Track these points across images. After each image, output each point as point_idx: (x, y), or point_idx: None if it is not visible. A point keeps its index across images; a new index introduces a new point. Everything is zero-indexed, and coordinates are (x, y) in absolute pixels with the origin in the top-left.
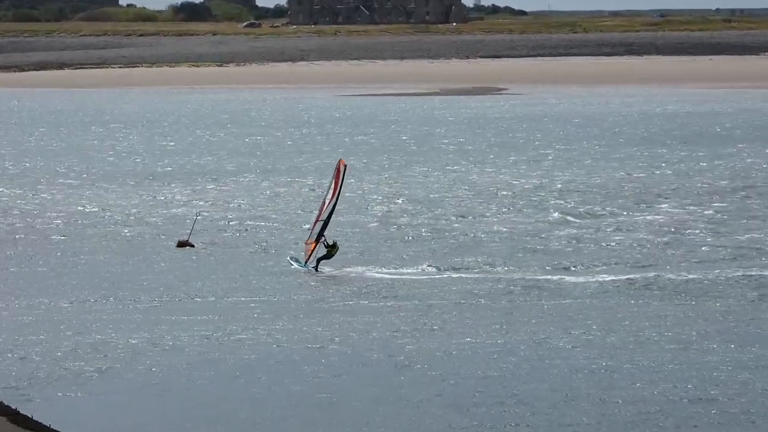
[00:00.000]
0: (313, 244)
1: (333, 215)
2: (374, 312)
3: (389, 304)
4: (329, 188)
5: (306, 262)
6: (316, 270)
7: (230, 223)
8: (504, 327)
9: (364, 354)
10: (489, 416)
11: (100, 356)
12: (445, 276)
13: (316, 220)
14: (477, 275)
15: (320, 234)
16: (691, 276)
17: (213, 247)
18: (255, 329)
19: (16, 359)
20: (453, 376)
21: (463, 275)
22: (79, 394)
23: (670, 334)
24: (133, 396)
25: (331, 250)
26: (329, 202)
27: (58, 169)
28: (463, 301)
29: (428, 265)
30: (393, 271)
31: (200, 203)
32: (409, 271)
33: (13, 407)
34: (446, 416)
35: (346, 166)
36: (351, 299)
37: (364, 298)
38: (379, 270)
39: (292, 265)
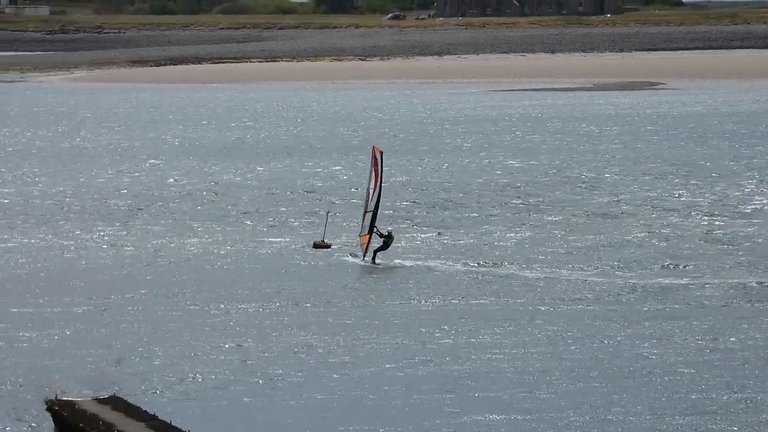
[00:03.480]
0: (367, 237)
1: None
2: None
3: None
4: (370, 178)
5: (364, 256)
6: (373, 262)
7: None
8: None
9: None
10: None
11: (238, 362)
12: None
13: (365, 212)
14: None
15: (371, 225)
16: None
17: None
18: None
19: (152, 365)
20: None
21: None
22: (216, 401)
23: None
24: (270, 401)
25: (387, 240)
26: (373, 192)
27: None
28: None
29: None
30: None
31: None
32: None
33: (151, 413)
34: None
35: (382, 152)
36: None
37: None
38: None
39: (350, 259)
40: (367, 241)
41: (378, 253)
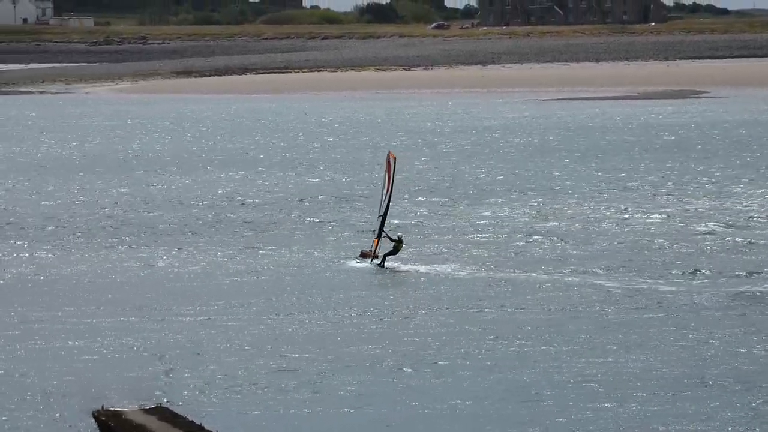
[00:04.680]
0: (376, 241)
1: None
2: None
3: None
4: (384, 183)
5: (372, 260)
6: (381, 266)
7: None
8: None
9: None
10: None
11: (288, 373)
12: None
13: (379, 216)
14: None
15: (380, 230)
16: None
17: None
18: None
19: (200, 375)
20: None
21: None
22: (264, 412)
23: None
24: (321, 413)
25: (398, 244)
26: (384, 197)
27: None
28: None
29: None
30: None
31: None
32: None
33: (198, 423)
34: None
35: (395, 158)
36: None
37: None
38: None
39: (358, 263)
40: (376, 245)
41: (387, 258)
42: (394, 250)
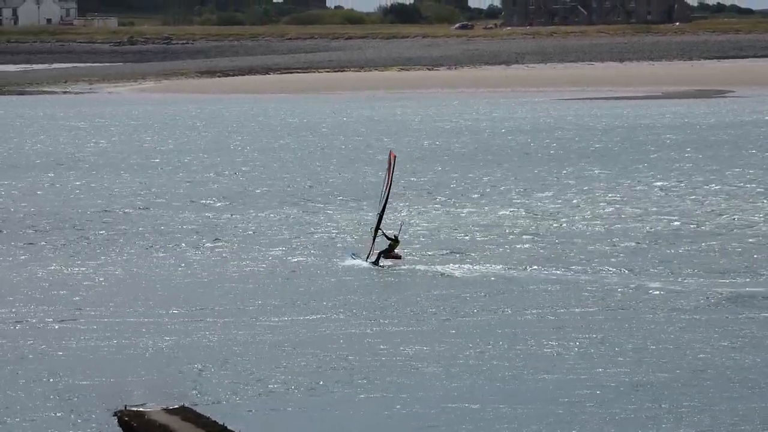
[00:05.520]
0: (372, 239)
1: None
2: None
3: None
4: (384, 182)
5: (367, 257)
6: (376, 264)
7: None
8: None
9: None
10: None
11: (313, 374)
12: None
13: (377, 214)
14: None
15: (376, 228)
16: None
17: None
18: None
19: (223, 376)
20: None
21: None
22: (287, 412)
23: None
24: (346, 414)
25: (393, 243)
26: (383, 195)
27: None
28: None
29: None
30: None
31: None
32: None
33: (221, 423)
34: None
35: (395, 157)
36: None
37: None
38: None
39: (354, 260)
40: (372, 243)
41: (381, 256)
42: (390, 249)
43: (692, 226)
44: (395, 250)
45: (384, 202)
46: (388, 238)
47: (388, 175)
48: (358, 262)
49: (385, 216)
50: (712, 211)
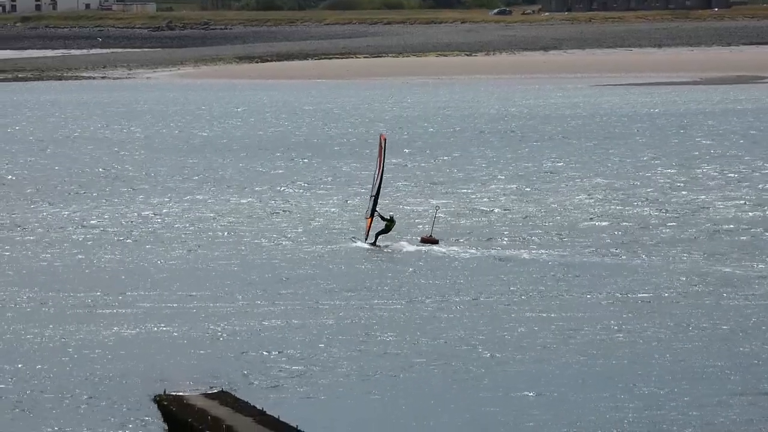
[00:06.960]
0: (369, 220)
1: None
2: None
3: None
4: (376, 165)
5: (365, 238)
6: (374, 245)
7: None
8: None
9: None
10: None
11: (350, 358)
12: None
13: (370, 197)
14: None
15: (373, 209)
16: None
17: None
18: None
19: (262, 360)
20: None
21: None
22: (325, 397)
23: None
24: (380, 398)
25: (389, 224)
26: (376, 178)
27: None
28: None
29: None
30: None
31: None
32: None
33: (260, 408)
34: None
35: (386, 140)
36: None
37: None
38: None
39: (355, 243)
40: (368, 225)
41: (379, 236)
42: (386, 229)
43: (755, 213)
44: (431, 235)
45: (378, 184)
46: (383, 219)
47: (380, 159)
48: (359, 244)
49: (433, 200)
50: None
